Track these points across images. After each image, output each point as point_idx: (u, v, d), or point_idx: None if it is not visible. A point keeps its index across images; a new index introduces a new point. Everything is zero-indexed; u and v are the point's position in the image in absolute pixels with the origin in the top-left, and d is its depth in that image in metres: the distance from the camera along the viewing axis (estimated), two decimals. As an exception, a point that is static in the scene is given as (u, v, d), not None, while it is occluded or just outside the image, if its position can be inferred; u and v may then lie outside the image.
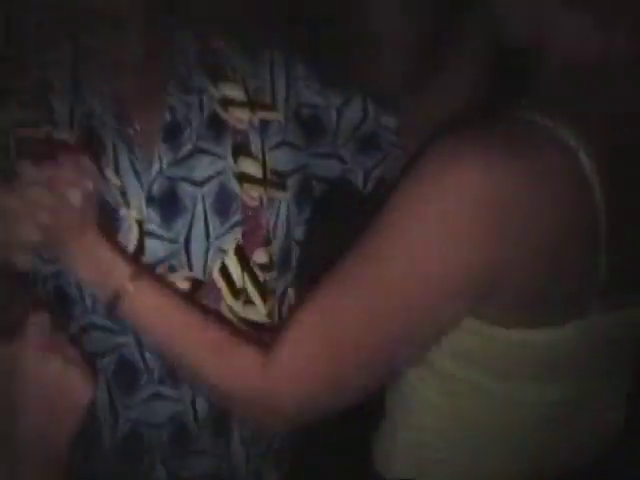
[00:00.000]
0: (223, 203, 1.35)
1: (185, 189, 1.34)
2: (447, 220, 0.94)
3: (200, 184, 1.35)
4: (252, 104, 1.38)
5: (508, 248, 0.95)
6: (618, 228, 0.98)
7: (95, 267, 1.12)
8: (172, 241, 1.34)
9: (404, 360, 1.05)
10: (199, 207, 1.35)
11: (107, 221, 1.27)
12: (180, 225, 1.34)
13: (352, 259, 1.01)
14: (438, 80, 1.51)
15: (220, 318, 1.16)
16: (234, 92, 1.37)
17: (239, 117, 1.37)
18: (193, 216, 1.35)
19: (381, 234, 0.99)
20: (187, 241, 1.35)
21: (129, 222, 1.33)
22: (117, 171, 1.32)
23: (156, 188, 1.33)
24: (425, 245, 0.96)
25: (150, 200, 1.33)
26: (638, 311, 1.06)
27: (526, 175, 0.93)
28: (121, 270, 1.11)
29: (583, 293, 1.00)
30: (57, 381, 0.99)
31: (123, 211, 1.33)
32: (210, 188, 1.35)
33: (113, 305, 1.10)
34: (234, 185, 1.36)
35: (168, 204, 1.34)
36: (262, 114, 1.38)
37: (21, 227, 1.08)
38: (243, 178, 1.36)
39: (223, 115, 1.37)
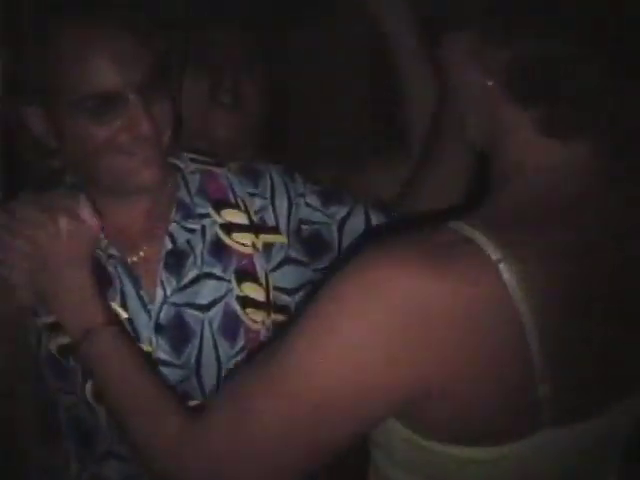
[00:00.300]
0: (229, 326, 1.37)
1: (191, 314, 1.36)
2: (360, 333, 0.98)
3: (205, 309, 1.37)
4: (256, 228, 1.40)
5: (427, 363, 0.95)
6: (552, 343, 0.96)
7: (72, 303, 1.20)
8: (182, 367, 1.36)
9: (307, 463, 1.06)
10: (207, 331, 1.36)
11: None
12: (190, 350, 1.36)
13: (276, 356, 1.03)
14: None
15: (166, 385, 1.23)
16: (237, 218, 1.40)
17: (243, 241, 1.39)
18: (202, 341, 1.36)
19: (300, 345, 1.02)
20: (198, 365, 1.36)
21: None
22: (124, 304, 1.35)
23: (163, 316, 1.36)
24: (336, 361, 0.98)
25: (158, 329, 1.35)
26: (593, 424, 1.05)
27: (441, 282, 0.94)
28: (95, 313, 1.19)
29: (523, 412, 0.98)
30: None
31: None
32: (215, 312, 1.37)
33: (78, 342, 1.19)
34: (237, 308, 1.37)
35: (176, 331, 1.36)
36: (265, 237, 1.40)
37: (8, 252, 1.18)
38: (246, 303, 1.38)
39: (226, 240, 1.39)
